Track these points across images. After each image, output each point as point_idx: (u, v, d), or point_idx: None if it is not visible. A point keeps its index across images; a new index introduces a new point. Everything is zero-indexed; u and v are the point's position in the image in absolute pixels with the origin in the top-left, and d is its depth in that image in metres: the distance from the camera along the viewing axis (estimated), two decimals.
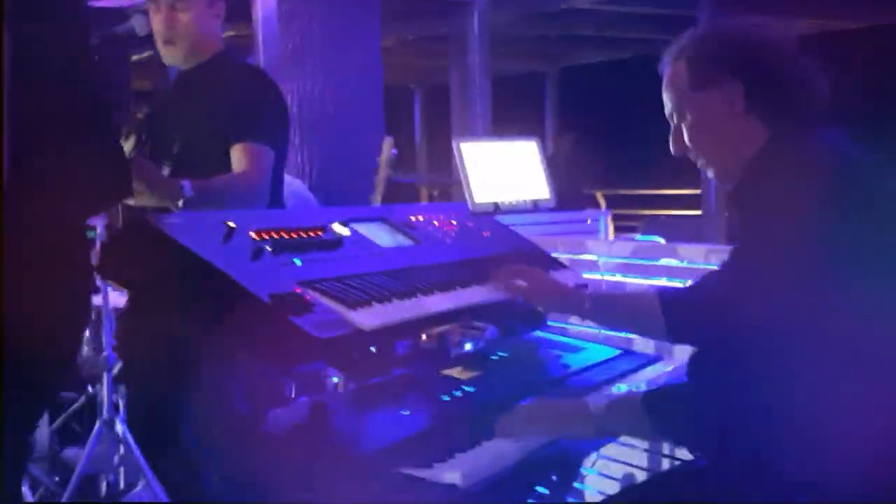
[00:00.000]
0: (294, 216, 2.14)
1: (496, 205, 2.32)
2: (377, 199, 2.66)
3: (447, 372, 2.24)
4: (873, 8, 9.39)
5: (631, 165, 12.12)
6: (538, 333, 2.78)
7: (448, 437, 1.82)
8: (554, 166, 9.82)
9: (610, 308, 2.17)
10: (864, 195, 1.75)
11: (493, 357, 2.42)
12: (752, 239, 1.78)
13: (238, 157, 2.83)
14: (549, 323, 2.79)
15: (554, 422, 1.88)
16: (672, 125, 1.99)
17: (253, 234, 1.96)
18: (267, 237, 1.98)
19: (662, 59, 1.99)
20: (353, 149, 5.78)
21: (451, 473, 1.61)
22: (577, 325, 3.03)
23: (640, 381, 2.41)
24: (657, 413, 1.76)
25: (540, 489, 2.24)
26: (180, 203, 2.55)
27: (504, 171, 2.41)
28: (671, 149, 2.00)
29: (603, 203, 12.78)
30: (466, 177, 2.27)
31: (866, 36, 10.25)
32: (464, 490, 1.57)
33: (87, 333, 3.82)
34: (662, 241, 3.62)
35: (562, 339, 2.76)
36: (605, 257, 3.22)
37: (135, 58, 7.79)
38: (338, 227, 2.18)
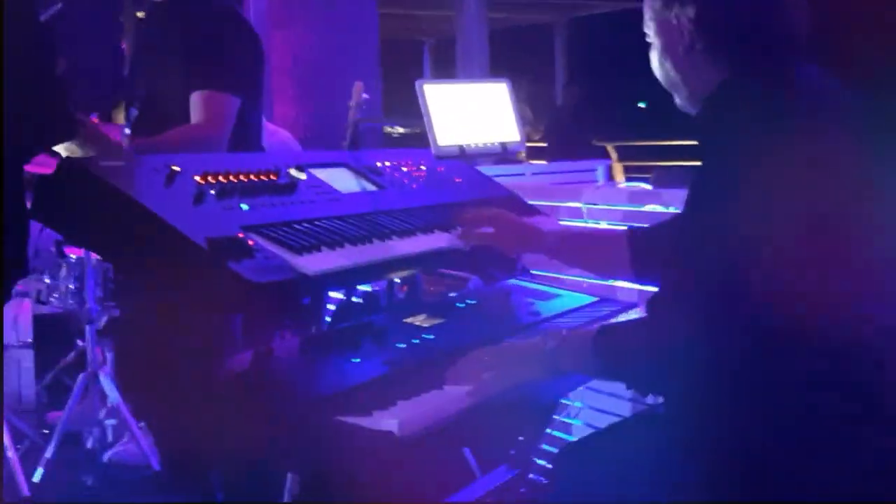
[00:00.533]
0: (247, 160, 2.08)
1: (461, 148, 2.25)
2: (346, 145, 2.59)
3: (409, 320, 2.18)
4: None
5: (642, 116, 11.99)
6: (515, 281, 2.72)
7: (397, 385, 1.77)
8: (562, 117, 9.75)
9: (576, 246, 2.11)
10: (829, 131, 1.66)
11: (460, 304, 2.36)
12: (707, 184, 1.70)
13: (196, 106, 2.70)
14: (536, 272, 2.74)
15: (506, 365, 1.80)
16: None
17: (198, 178, 1.90)
18: (213, 181, 1.92)
19: None
20: (347, 100, 5.71)
21: (389, 421, 1.55)
22: (572, 276, 2.97)
23: None
24: (608, 351, 1.69)
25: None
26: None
27: (471, 113, 2.34)
28: None
29: (614, 154, 12.67)
30: (430, 119, 2.20)
31: None
32: (399, 438, 1.52)
33: (71, 286, 3.79)
34: (648, 186, 3.54)
35: (537, 286, 2.70)
36: (587, 204, 3.15)
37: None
38: (294, 172, 2.11)
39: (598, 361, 1.71)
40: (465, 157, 2.32)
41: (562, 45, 13.42)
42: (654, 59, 1.88)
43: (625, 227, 2.36)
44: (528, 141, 10.40)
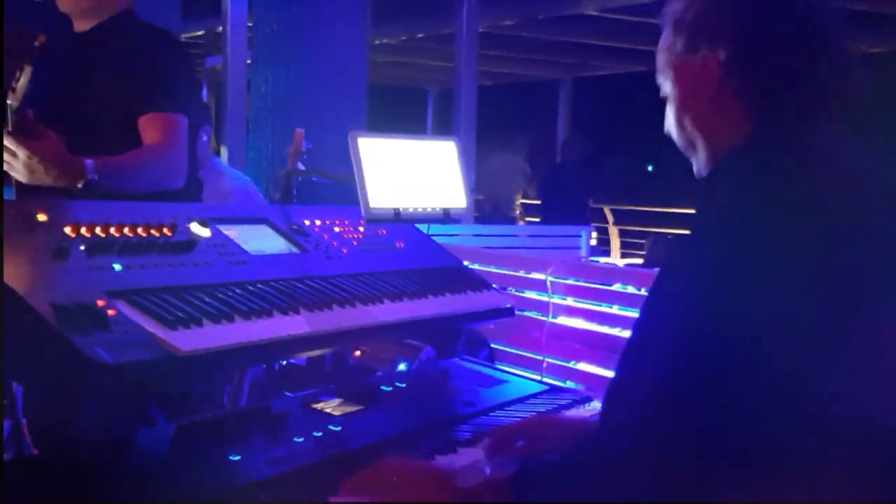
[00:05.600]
0: (141, 210, 1.81)
1: (396, 211, 1.98)
2: (281, 198, 2.33)
3: (319, 405, 1.90)
4: None
5: (641, 180, 11.76)
6: (464, 361, 2.45)
7: (284, 491, 1.49)
8: (559, 174, 9.53)
9: None
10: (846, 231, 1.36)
11: (386, 388, 2.07)
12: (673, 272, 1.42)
13: (149, 128, 2.56)
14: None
15: (411, 496, 1.50)
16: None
17: (68, 229, 1.63)
18: (88, 234, 1.65)
19: None
20: (329, 144, 5.48)
21: None
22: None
23: None
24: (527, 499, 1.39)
25: None
26: (80, 185, 2.24)
27: (411, 173, 2.07)
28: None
29: (611, 218, 12.44)
30: (361, 177, 1.93)
31: None
32: None
33: None
34: (621, 263, 3.27)
35: (483, 368, 2.42)
36: (553, 277, 2.88)
37: None
38: (195, 227, 1.84)
39: None
40: (399, 222, 2.05)
41: (566, 102, 13.23)
42: (671, 114, 1.58)
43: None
44: (525, 198, 10.22)
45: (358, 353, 2.54)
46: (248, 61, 6.04)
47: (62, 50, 2.63)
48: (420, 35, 10.10)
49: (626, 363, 1.48)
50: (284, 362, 2.03)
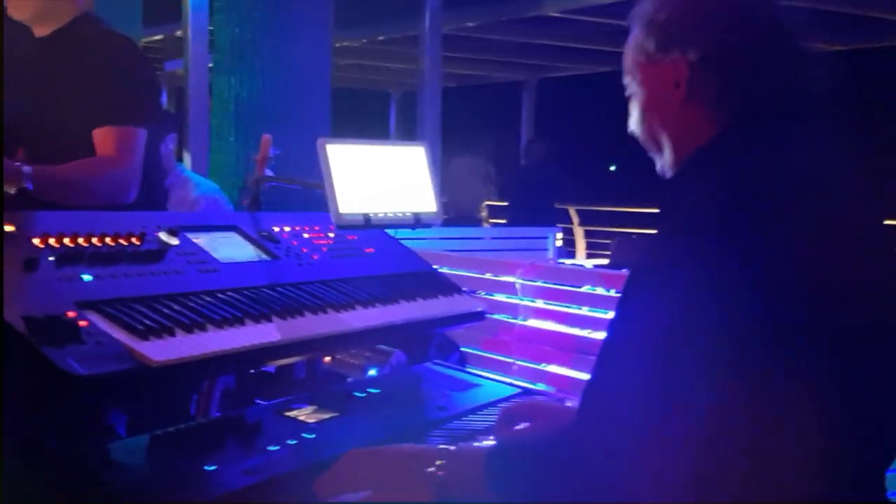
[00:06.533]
0: (108, 220, 1.79)
1: (366, 216, 1.98)
2: (250, 205, 2.31)
3: (292, 413, 1.89)
4: None
5: (606, 181, 11.81)
6: (434, 365, 2.45)
7: (261, 500, 1.48)
8: (524, 176, 9.54)
9: None
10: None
11: (359, 394, 2.06)
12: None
13: (103, 140, 2.51)
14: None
15: (384, 482, 1.51)
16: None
17: (36, 241, 1.61)
18: (56, 244, 1.63)
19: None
20: (295, 150, 5.46)
21: None
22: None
23: None
24: (500, 477, 1.41)
25: None
26: (12, 190, 2.21)
27: (381, 179, 2.07)
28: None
29: (576, 219, 12.49)
30: (331, 183, 1.92)
31: None
32: None
33: None
34: (589, 264, 3.28)
35: (455, 373, 2.41)
36: (521, 280, 2.89)
37: None
38: (164, 236, 1.83)
39: (491, 488, 1.42)
40: (370, 228, 2.04)
41: (529, 103, 13.26)
42: (635, 114, 1.58)
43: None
44: (488, 200, 10.23)
45: (328, 358, 2.52)
46: (210, 65, 6.01)
47: (21, 55, 2.59)
48: (381, 38, 10.09)
49: (602, 365, 1.48)
50: (253, 370, 2.01)
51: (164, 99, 6.62)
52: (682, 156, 1.53)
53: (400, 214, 2.09)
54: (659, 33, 1.52)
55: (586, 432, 1.38)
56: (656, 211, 1.54)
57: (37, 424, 1.45)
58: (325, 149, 1.98)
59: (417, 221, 2.12)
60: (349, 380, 2.25)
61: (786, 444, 1.28)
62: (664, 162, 1.58)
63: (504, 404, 1.93)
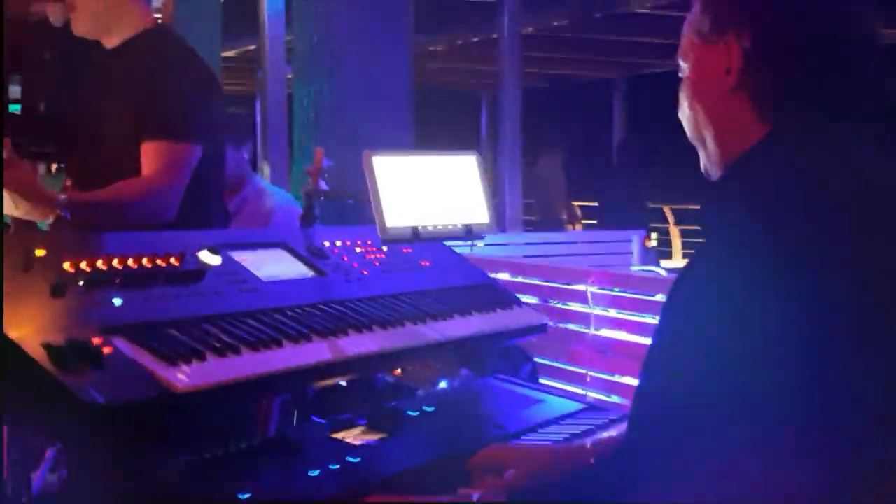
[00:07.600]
0: (150, 240, 1.76)
1: (414, 229, 1.91)
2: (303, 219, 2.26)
3: (339, 434, 1.83)
4: None
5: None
6: (497, 381, 2.36)
7: None
8: (616, 176, 9.36)
9: None
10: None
11: (412, 412, 2.00)
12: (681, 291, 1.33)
13: (149, 155, 2.47)
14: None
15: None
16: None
17: (67, 265, 1.58)
18: (88, 268, 1.60)
19: None
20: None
21: None
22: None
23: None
24: None
25: None
26: (49, 220, 2.20)
27: (430, 190, 2.00)
28: None
29: (671, 218, 12.24)
30: (377, 197, 1.86)
31: None
32: None
33: None
34: (663, 272, 3.16)
35: (519, 388, 2.33)
36: (594, 288, 2.79)
37: None
38: (205, 256, 1.79)
39: None
40: (418, 241, 1.97)
41: (620, 102, 13.06)
42: (684, 99, 1.46)
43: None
44: (576, 201, 10.08)
45: (399, 371, 2.47)
46: (289, 76, 6.01)
47: (85, 68, 2.59)
48: (459, 42, 10.03)
49: (646, 372, 1.38)
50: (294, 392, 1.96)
51: (258, 114, 6.61)
52: (724, 152, 1.41)
53: (451, 226, 2.01)
54: (715, 11, 1.41)
55: (642, 439, 1.30)
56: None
57: (58, 452, 1.42)
58: (370, 161, 1.92)
59: (469, 232, 2.04)
60: (419, 392, 2.18)
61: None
62: (707, 157, 1.46)
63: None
